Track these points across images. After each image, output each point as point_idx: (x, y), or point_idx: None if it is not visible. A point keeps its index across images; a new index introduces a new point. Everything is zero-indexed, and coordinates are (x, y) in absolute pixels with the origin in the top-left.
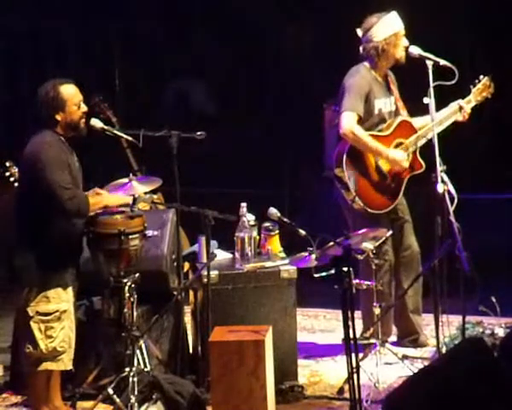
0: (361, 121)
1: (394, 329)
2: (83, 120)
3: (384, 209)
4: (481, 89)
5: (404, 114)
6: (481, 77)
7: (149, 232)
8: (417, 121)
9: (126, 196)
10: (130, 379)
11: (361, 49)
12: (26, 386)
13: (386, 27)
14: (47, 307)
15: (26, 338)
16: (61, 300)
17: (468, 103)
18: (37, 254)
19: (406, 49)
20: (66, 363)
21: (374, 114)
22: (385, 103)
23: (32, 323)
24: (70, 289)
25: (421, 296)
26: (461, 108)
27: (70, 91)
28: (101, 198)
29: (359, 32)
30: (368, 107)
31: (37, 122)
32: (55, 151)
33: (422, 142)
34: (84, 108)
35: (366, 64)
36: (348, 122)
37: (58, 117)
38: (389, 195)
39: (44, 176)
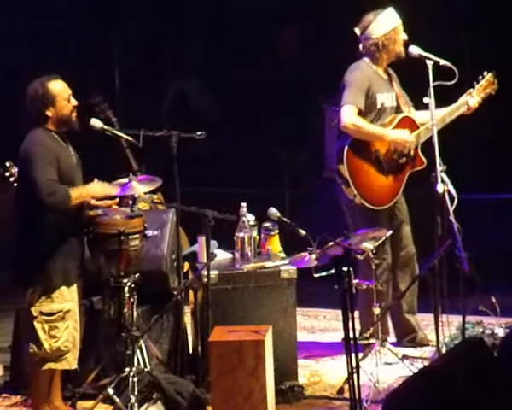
0: (362, 115)
1: (393, 329)
2: (74, 114)
3: (384, 205)
4: (485, 85)
5: (405, 111)
6: (485, 73)
7: (149, 232)
8: (420, 115)
9: (111, 186)
10: (130, 379)
11: (360, 46)
12: (27, 386)
13: (385, 24)
14: (51, 307)
15: (29, 338)
16: (65, 299)
17: (471, 96)
18: (40, 253)
19: (405, 42)
20: (70, 362)
21: (376, 108)
22: (387, 98)
23: (35, 323)
24: (73, 289)
25: (418, 296)
26: (469, 108)
27: (58, 87)
28: (85, 189)
29: (357, 30)
30: (370, 101)
31: (29, 121)
32: (41, 149)
33: (424, 138)
34: (73, 101)
35: (366, 60)
36: (348, 115)
37: (49, 113)
38: (389, 191)
39: (29, 173)
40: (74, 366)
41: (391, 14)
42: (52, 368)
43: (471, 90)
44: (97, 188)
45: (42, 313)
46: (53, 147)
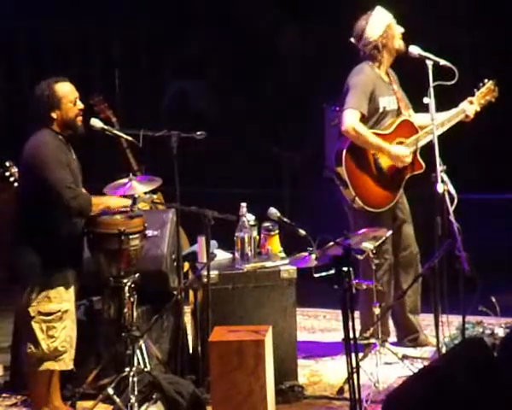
0: (364, 119)
1: (393, 329)
2: (79, 118)
3: (382, 208)
4: (485, 92)
5: (406, 114)
6: (486, 80)
7: (149, 232)
8: (420, 118)
9: (126, 200)
10: (130, 379)
11: (361, 53)
12: (26, 386)
13: (378, 23)
14: (49, 307)
15: (27, 338)
16: (63, 299)
17: (471, 104)
18: (39, 253)
19: (404, 35)
20: (67, 363)
21: (378, 112)
22: (389, 102)
23: (33, 323)
24: (72, 289)
25: (420, 295)
26: (467, 116)
27: (65, 89)
28: (104, 199)
29: (353, 40)
30: (372, 105)
31: (34, 121)
32: (53, 150)
33: (423, 142)
34: (80, 105)
35: (369, 62)
36: (350, 119)
37: (54, 115)
38: (388, 193)
39: (46, 176)
40: (70, 366)
41: (380, 12)
42: (50, 368)
43: (471, 98)
44: (114, 200)
45: (40, 313)
46: (62, 149)
